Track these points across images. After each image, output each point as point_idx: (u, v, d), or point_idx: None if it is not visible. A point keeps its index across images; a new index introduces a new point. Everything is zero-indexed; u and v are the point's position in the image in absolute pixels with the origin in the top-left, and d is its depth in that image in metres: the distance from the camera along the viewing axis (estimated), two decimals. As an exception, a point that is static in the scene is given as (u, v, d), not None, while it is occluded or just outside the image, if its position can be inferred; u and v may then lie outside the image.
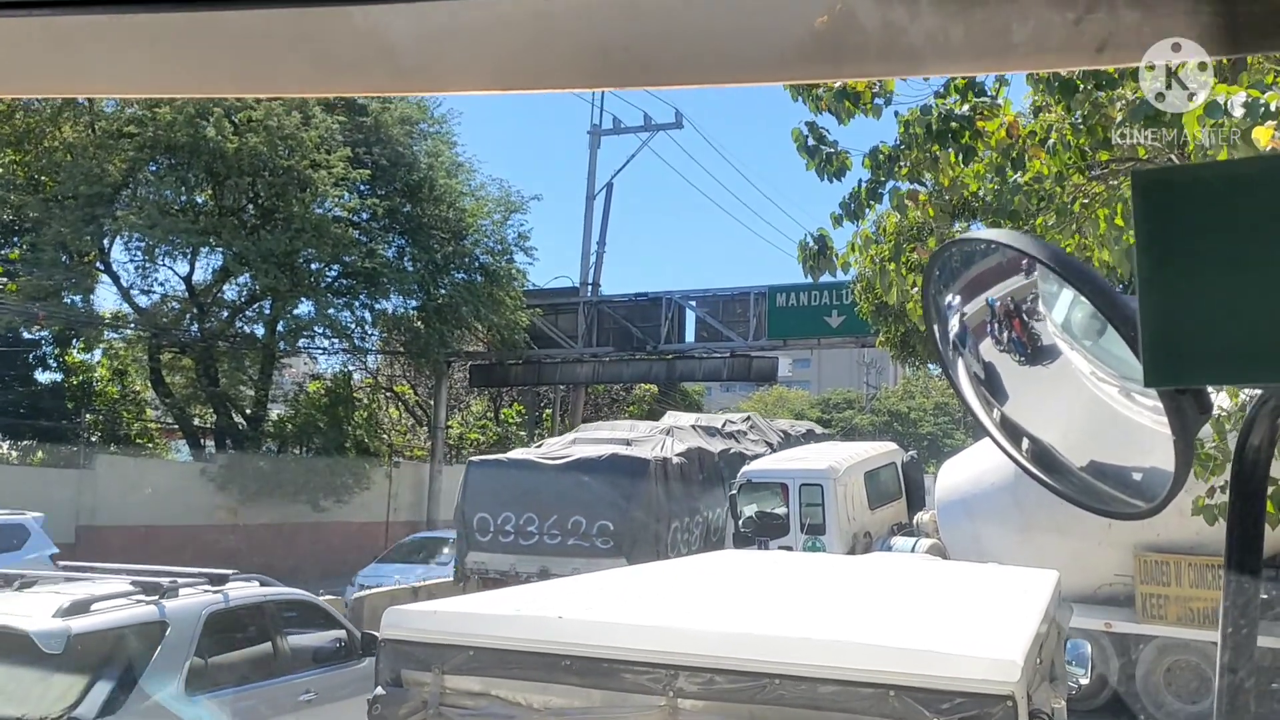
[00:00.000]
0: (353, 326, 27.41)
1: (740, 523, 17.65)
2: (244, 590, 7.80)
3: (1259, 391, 0.95)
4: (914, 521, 17.80)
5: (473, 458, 19.64)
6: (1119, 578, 12.49)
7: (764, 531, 17.12)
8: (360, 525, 26.00)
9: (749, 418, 21.92)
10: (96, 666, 6.25)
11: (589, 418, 37.53)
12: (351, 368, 30.25)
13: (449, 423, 32.34)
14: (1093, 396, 1.02)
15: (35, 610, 6.60)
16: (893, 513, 18.39)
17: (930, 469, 21.33)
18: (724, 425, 20.30)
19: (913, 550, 15.37)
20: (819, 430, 24.54)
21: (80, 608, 6.57)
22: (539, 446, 18.75)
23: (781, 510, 17.50)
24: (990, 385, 1.09)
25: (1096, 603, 12.71)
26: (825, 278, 8.00)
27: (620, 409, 39.68)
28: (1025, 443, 1.08)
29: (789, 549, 16.26)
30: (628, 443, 17.50)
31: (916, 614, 3.70)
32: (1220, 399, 5.49)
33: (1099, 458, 1.05)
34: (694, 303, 28.98)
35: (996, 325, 1.07)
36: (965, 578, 5.02)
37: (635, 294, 29.62)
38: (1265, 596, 11.86)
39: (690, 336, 29.13)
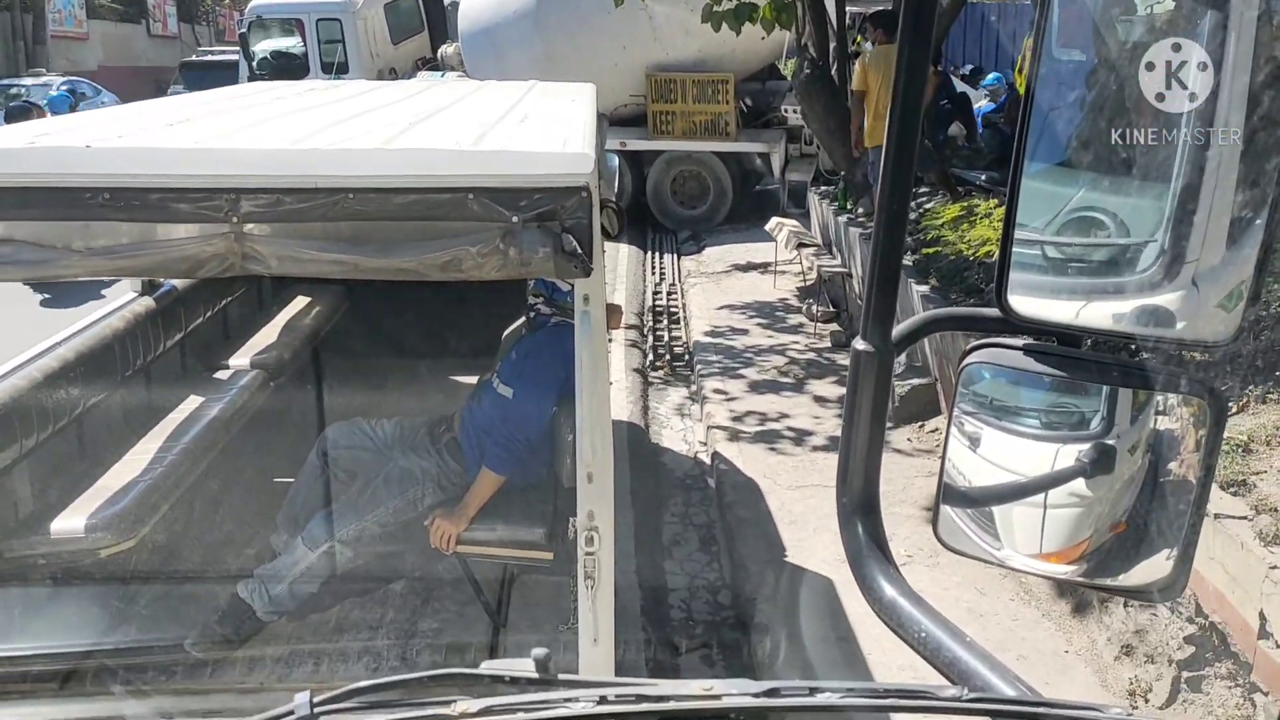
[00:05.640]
0: None
1: (254, 64, 16.37)
2: None
3: None
4: (438, 55, 17.47)
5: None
6: (633, 98, 13.28)
7: (281, 73, 16.03)
8: None
9: None
10: None
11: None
12: None
13: None
14: None
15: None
16: (416, 47, 17.89)
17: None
18: None
19: (440, 84, 15.24)
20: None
21: None
22: None
23: (299, 49, 16.38)
24: None
25: (613, 124, 13.57)
26: None
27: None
28: None
29: (311, 90, 15.52)
30: None
31: (480, 121, 3.65)
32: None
33: None
34: None
35: None
36: (513, 91, 5.02)
37: None
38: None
39: None
